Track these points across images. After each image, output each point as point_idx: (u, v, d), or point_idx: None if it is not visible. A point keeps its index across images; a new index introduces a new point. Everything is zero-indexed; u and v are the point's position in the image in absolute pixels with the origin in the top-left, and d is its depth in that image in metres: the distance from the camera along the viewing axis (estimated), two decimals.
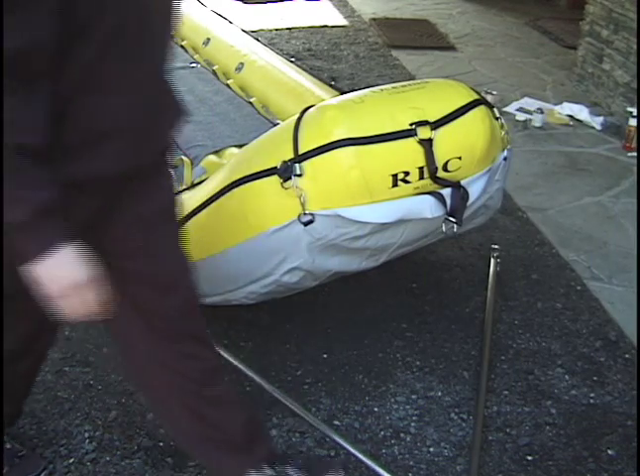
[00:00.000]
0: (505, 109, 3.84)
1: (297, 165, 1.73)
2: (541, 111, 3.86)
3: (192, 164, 2.72)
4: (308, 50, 4.95)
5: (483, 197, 2.02)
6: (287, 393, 1.94)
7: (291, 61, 3.46)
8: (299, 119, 1.80)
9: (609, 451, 1.90)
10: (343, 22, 5.64)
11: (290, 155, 1.74)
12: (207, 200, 1.91)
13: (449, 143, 1.83)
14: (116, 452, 1.86)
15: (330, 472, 1.68)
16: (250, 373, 1.93)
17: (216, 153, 2.77)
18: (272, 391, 1.89)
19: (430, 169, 1.80)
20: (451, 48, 5.07)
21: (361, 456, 1.77)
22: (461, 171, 1.87)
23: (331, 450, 1.88)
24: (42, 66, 1.08)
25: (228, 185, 1.85)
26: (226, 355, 1.98)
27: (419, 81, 1.97)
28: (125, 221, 1.34)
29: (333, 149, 1.72)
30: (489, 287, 2.47)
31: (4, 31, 1.02)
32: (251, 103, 3.23)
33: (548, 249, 2.77)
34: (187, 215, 1.97)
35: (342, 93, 2.68)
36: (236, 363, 1.96)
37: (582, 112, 3.95)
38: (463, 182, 1.89)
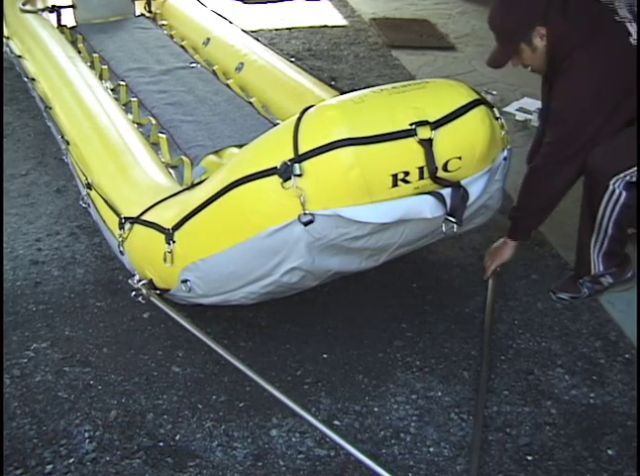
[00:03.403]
0: (505, 109, 3.84)
1: (297, 165, 1.72)
2: None
3: (192, 164, 2.72)
4: (308, 50, 4.95)
5: (483, 197, 2.02)
6: (287, 393, 1.93)
7: (291, 61, 3.46)
8: (299, 119, 1.80)
9: (609, 451, 1.90)
10: (343, 22, 5.63)
11: (290, 155, 1.74)
12: (207, 200, 1.91)
13: (449, 143, 1.83)
14: (116, 452, 1.86)
15: None
16: (250, 373, 1.93)
17: (216, 153, 2.77)
18: (272, 391, 1.89)
19: (430, 169, 1.80)
20: (451, 48, 5.07)
21: (361, 456, 1.77)
22: (461, 171, 1.87)
23: (331, 450, 1.88)
24: None
25: (228, 185, 1.85)
26: (226, 355, 1.98)
27: (419, 81, 1.97)
28: None
29: (333, 149, 1.72)
30: (490, 287, 2.47)
31: None
32: (251, 103, 3.23)
33: (548, 249, 2.77)
34: (187, 215, 1.98)
35: (342, 93, 2.68)
36: (236, 363, 1.95)
37: None
38: (463, 182, 1.89)
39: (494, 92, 4.01)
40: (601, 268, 2.37)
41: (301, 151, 1.74)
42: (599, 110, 2.16)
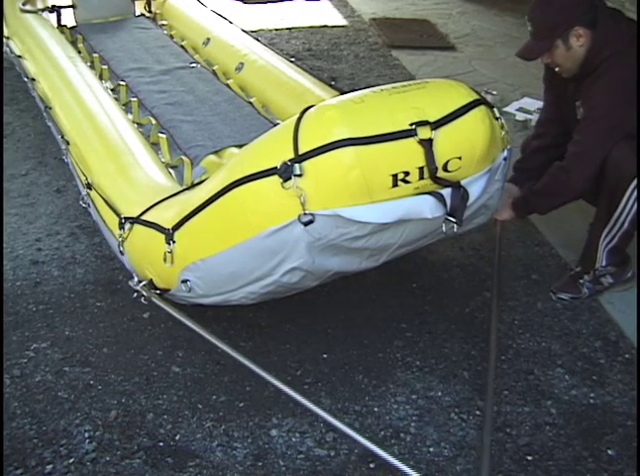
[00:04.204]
0: (505, 109, 3.84)
1: (297, 165, 1.72)
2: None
3: (192, 164, 2.72)
4: (308, 50, 4.95)
5: (484, 197, 2.02)
6: (287, 393, 1.93)
7: (291, 61, 3.46)
8: (299, 119, 1.80)
9: (609, 451, 1.90)
10: (343, 22, 5.63)
11: (290, 155, 1.74)
12: (207, 200, 1.91)
13: (449, 143, 1.83)
14: (116, 452, 1.87)
15: None
16: (254, 367, 1.91)
17: (216, 153, 2.77)
18: (277, 383, 1.87)
19: (430, 169, 1.80)
20: (451, 48, 5.07)
21: (369, 445, 1.75)
22: (461, 171, 1.87)
23: (331, 450, 1.88)
24: None
25: (228, 185, 1.85)
26: (229, 350, 1.97)
27: (419, 81, 1.97)
28: None
29: (333, 149, 1.72)
30: (496, 255, 2.49)
31: None
32: (251, 103, 3.23)
33: (548, 249, 2.77)
34: (187, 215, 1.98)
35: (342, 93, 2.68)
36: (239, 358, 1.94)
37: None
38: (463, 182, 1.89)
39: (494, 92, 4.01)
40: (604, 263, 2.38)
41: (301, 151, 1.74)
42: (634, 110, 2.19)
